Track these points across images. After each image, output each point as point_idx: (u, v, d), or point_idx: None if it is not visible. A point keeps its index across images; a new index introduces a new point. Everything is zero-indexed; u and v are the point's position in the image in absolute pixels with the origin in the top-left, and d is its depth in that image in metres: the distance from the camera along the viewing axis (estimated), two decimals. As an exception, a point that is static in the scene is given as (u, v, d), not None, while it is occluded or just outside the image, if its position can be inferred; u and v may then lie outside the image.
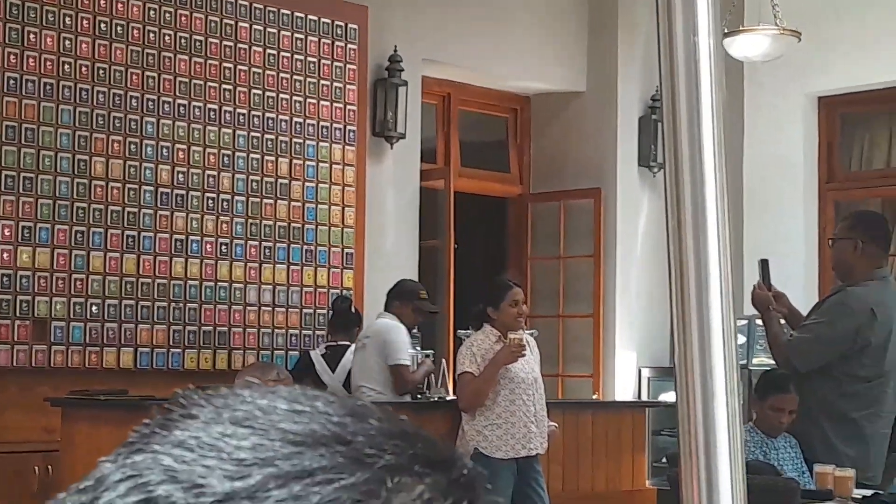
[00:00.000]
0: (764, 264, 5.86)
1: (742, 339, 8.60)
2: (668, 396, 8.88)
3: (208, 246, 7.47)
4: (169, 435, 0.55)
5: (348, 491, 0.53)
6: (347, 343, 7.31)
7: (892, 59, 9.05)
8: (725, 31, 7.96)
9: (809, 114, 9.65)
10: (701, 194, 0.96)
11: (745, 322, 8.30)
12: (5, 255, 6.70)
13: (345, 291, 7.91)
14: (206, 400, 0.58)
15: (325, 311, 7.77)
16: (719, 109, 0.98)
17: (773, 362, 6.12)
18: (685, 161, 0.97)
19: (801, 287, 8.14)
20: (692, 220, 0.96)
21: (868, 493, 5.15)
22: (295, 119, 7.82)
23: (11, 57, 6.70)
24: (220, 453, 0.54)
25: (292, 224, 7.79)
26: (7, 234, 6.69)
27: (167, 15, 7.30)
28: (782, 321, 5.81)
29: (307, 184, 7.86)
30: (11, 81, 6.70)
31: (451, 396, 7.26)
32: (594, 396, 8.90)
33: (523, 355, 6.35)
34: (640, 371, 9.27)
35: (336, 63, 8.01)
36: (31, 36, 6.77)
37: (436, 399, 7.24)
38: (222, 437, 0.55)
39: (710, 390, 0.93)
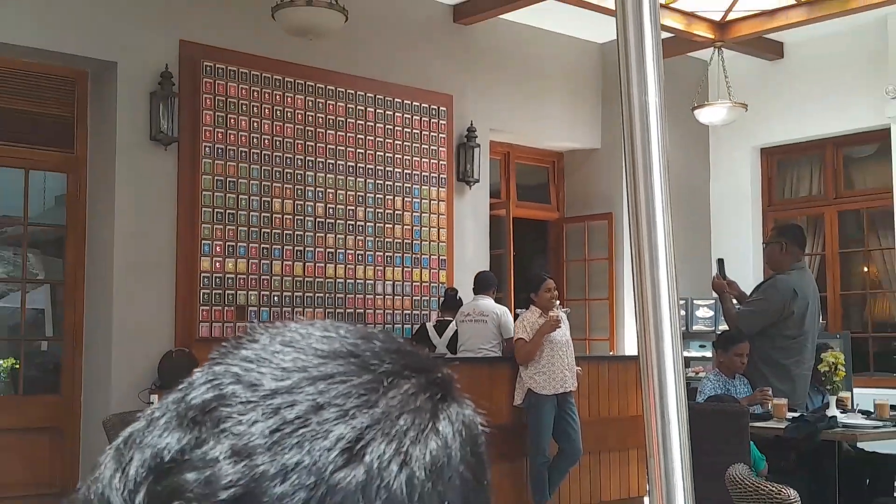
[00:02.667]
0: (720, 262, 5.95)
1: (710, 313, 8.67)
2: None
3: (349, 256, 7.49)
4: (238, 352, 0.55)
5: (357, 387, 0.53)
6: (450, 319, 7.23)
7: (811, 120, 9.06)
8: (695, 104, 8.28)
9: (755, 160, 9.65)
10: (652, 210, 0.94)
11: (712, 301, 8.34)
12: (217, 263, 6.81)
13: (442, 286, 7.86)
14: (265, 330, 0.57)
15: (426, 299, 7.74)
16: (664, 146, 0.95)
17: (726, 327, 6.12)
18: (641, 183, 0.94)
19: (750, 277, 7.94)
20: (647, 227, 0.94)
21: (795, 415, 5.21)
22: (405, 170, 7.84)
23: (219, 133, 6.82)
24: (270, 364, 0.54)
25: (405, 241, 7.81)
26: (218, 249, 6.81)
27: (319, 104, 7.37)
28: (734, 301, 5.82)
29: (414, 213, 7.87)
30: (219, 149, 6.82)
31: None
32: (610, 353, 8.89)
33: (560, 327, 6.48)
34: (642, 336, 9.17)
35: (432, 133, 8.03)
36: (231, 119, 6.87)
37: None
38: (273, 354, 0.54)
39: (661, 333, 0.93)
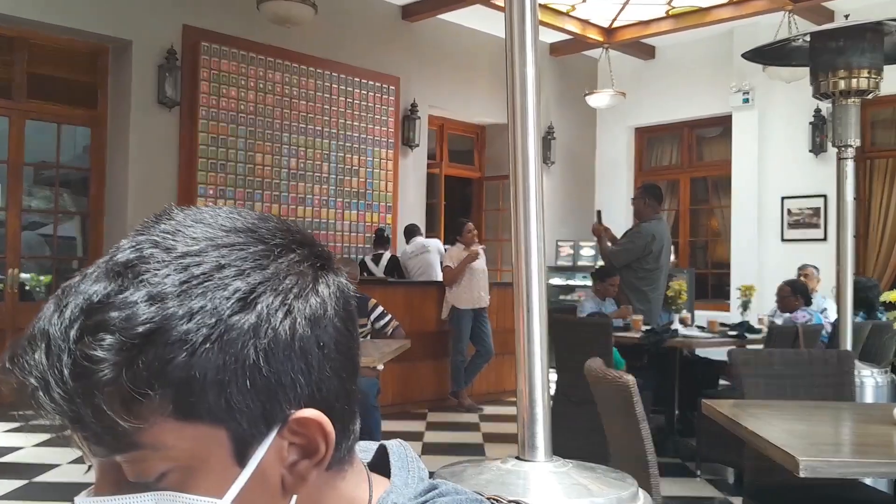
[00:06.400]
0: (599, 213, 5.97)
1: (592, 252, 8.59)
2: (553, 280, 8.90)
3: (316, 200, 7.36)
4: (158, 226, 0.53)
5: (252, 254, 0.51)
6: (383, 252, 7.13)
7: (673, 107, 9.05)
8: (587, 92, 8.23)
9: (630, 136, 9.68)
10: (526, 167, 0.89)
11: (593, 243, 8.28)
12: (210, 203, 6.36)
13: (384, 226, 7.72)
14: (180, 210, 0.55)
15: (373, 236, 7.54)
16: (538, 113, 0.89)
17: (602, 262, 6.03)
18: (519, 144, 0.90)
19: (623, 225, 7.64)
20: (522, 188, 0.88)
21: (648, 327, 5.21)
22: (361, 135, 7.68)
23: (213, 100, 6.70)
24: (183, 234, 0.52)
25: (360, 190, 7.69)
26: (211, 192, 6.68)
27: (294, 80, 7.18)
28: (609, 242, 5.74)
29: (367, 169, 7.73)
30: (213, 113, 6.70)
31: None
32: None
33: (479, 258, 6.48)
34: (540, 268, 9.06)
35: (384, 106, 7.88)
36: (223, 89, 6.74)
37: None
38: (186, 227, 0.52)
39: (531, 272, 0.96)
